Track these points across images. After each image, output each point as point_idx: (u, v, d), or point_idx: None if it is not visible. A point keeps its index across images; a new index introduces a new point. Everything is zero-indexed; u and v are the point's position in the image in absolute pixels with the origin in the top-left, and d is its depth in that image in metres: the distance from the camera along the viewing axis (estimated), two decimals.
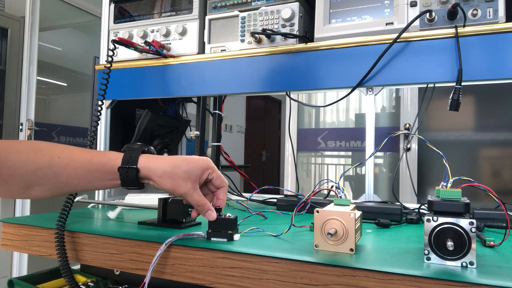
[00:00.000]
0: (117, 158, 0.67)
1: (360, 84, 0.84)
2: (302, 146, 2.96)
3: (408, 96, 2.55)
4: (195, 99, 1.32)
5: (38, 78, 2.89)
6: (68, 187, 0.66)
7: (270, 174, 7.12)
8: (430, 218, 0.57)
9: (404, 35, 0.82)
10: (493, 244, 0.68)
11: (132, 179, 0.66)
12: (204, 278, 0.66)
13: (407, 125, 2.52)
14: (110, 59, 0.95)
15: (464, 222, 0.55)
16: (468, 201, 0.59)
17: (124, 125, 1.26)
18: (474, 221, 0.55)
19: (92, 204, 1.13)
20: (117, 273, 0.93)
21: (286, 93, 1.20)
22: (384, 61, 0.85)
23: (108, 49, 0.94)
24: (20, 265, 2.65)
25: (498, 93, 2.50)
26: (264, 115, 7.15)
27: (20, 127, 2.82)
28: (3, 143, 0.63)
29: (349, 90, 0.88)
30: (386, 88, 1.65)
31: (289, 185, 2.89)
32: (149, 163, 0.67)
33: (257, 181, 1.17)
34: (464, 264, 0.55)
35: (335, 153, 3.05)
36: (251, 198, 1.17)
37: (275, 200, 1.14)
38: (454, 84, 0.78)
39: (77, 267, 0.98)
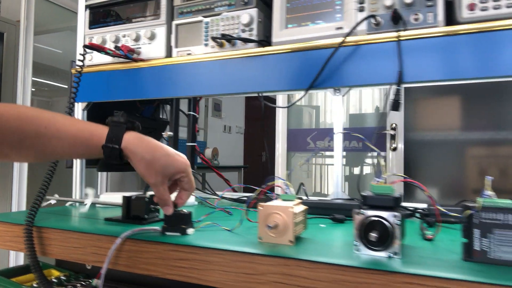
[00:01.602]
0: (101, 134, 0.68)
1: (311, 87, 0.88)
2: (292, 146, 3.00)
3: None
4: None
5: (40, 80, 2.96)
6: (54, 156, 0.70)
7: (270, 174, 7.15)
8: (359, 211, 0.61)
9: (353, 38, 0.86)
10: (430, 237, 0.72)
11: (115, 157, 0.68)
12: (156, 270, 0.70)
13: (393, 125, 2.56)
14: (81, 63, 1.00)
15: (389, 215, 0.60)
16: (398, 195, 0.63)
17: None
18: (398, 214, 0.59)
19: (69, 202, 1.17)
20: (89, 267, 0.97)
21: (258, 94, 1.25)
22: (336, 64, 0.89)
23: (79, 54, 0.99)
24: (16, 261, 2.71)
25: (484, 93, 2.53)
26: (263, 116, 7.17)
27: None
28: None
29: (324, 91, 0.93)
30: (375, 88, 1.68)
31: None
32: (132, 145, 0.69)
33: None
34: (389, 255, 0.59)
35: (328, 153, 3.09)
36: (223, 196, 1.21)
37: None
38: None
39: (52, 262, 1.03)
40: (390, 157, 2.58)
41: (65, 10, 3.35)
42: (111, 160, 0.69)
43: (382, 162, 0.69)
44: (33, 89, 3.20)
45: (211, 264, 0.65)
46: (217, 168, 1.45)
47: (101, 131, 0.69)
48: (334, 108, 1.29)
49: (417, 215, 0.98)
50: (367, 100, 3.04)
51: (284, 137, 2.97)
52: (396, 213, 0.59)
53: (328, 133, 2.95)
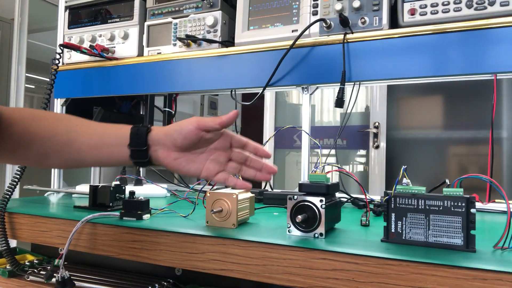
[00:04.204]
0: (129, 127, 0.68)
1: (268, 85, 0.94)
2: (279, 144, 3.07)
3: (378, 95, 2.64)
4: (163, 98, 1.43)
5: (37, 77, 3.03)
6: (80, 154, 0.67)
7: None
8: (291, 196, 0.68)
9: (308, 40, 0.92)
10: (365, 223, 0.79)
11: (142, 137, 0.66)
12: (112, 250, 0.76)
13: (376, 124, 2.62)
14: (57, 61, 1.06)
15: (315, 200, 0.66)
16: (330, 183, 0.69)
17: None
18: (323, 199, 0.65)
19: (48, 193, 1.24)
20: (61, 252, 1.04)
21: (231, 91, 1.31)
22: (294, 63, 0.95)
23: (56, 53, 1.05)
24: None
25: (466, 93, 2.59)
26: (260, 115, 7.25)
27: None
28: (27, 112, 0.68)
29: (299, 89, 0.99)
30: (365, 87, 1.73)
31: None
32: (159, 128, 0.68)
33: None
34: (315, 235, 0.66)
35: (325, 151, 3.16)
36: (193, 188, 1.28)
37: None
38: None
39: (29, 248, 1.09)
40: (372, 155, 2.64)
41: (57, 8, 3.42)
42: (136, 144, 0.66)
43: (319, 154, 0.75)
44: (32, 86, 3.28)
45: (159, 244, 0.72)
46: None
47: (128, 126, 0.68)
48: (304, 106, 1.35)
49: (371, 206, 1.05)
50: (360, 99, 3.09)
51: (271, 134, 3.03)
52: (322, 198, 0.65)
53: (314, 131, 3.01)
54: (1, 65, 3.21)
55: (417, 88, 2.70)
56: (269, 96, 2.99)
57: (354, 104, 1.19)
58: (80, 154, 0.68)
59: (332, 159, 3.22)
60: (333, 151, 3.15)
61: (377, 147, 2.62)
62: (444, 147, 2.65)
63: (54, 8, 3.42)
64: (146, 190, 1.21)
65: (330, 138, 2.96)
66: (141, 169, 1.31)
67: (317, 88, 1.41)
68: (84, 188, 1.21)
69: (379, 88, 2.61)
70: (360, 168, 2.89)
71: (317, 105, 3.37)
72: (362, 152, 2.90)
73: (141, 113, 1.56)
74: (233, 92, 1.38)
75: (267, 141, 0.94)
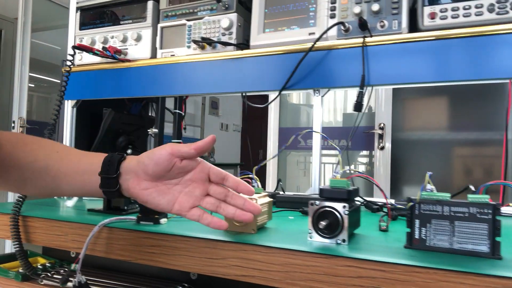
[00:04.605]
0: (105, 155, 0.66)
1: (284, 88, 0.94)
2: (283, 144, 3.06)
3: (383, 96, 2.64)
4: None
5: (39, 76, 3.02)
6: (55, 182, 0.65)
7: (267, 171, 7.20)
8: (313, 202, 0.67)
9: (325, 43, 0.92)
10: (384, 228, 0.78)
11: (113, 164, 0.63)
12: (130, 255, 0.76)
13: (382, 125, 2.61)
14: (69, 63, 1.05)
15: (338, 206, 0.65)
16: (351, 188, 0.69)
17: (93, 124, 1.37)
18: (346, 205, 0.65)
19: None
20: (73, 255, 1.03)
21: (242, 94, 1.30)
22: (310, 67, 0.95)
23: (68, 54, 1.04)
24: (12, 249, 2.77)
25: (471, 94, 2.59)
26: (261, 114, 7.24)
27: (13, 124, 2.95)
28: (11, 136, 0.67)
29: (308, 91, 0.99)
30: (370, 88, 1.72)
31: (270, 182, 2.99)
32: (133, 157, 0.66)
33: None
34: (338, 241, 0.65)
35: (324, 151, 3.14)
36: None
37: None
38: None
39: (40, 251, 1.09)
40: (377, 156, 2.64)
41: (61, 7, 3.41)
42: (108, 167, 0.63)
43: (339, 158, 0.75)
44: (33, 85, 3.27)
45: (178, 249, 0.71)
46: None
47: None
48: (316, 108, 1.34)
49: (385, 209, 1.04)
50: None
51: (275, 135, 3.03)
52: (345, 204, 0.65)
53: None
54: (4, 64, 3.20)
55: (422, 89, 2.70)
56: (274, 97, 2.98)
57: (367, 107, 1.19)
58: (55, 181, 0.65)
59: (332, 159, 3.22)
60: (332, 152, 3.15)
61: (382, 148, 2.61)
62: (449, 148, 2.65)
63: (58, 7, 3.42)
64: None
65: (334, 139, 2.95)
66: None
67: (328, 90, 1.40)
68: None
69: (384, 89, 2.61)
70: (365, 169, 2.89)
71: None
72: (367, 153, 2.89)
73: (150, 114, 1.55)
74: (243, 95, 1.37)
75: (286, 145, 0.93)
